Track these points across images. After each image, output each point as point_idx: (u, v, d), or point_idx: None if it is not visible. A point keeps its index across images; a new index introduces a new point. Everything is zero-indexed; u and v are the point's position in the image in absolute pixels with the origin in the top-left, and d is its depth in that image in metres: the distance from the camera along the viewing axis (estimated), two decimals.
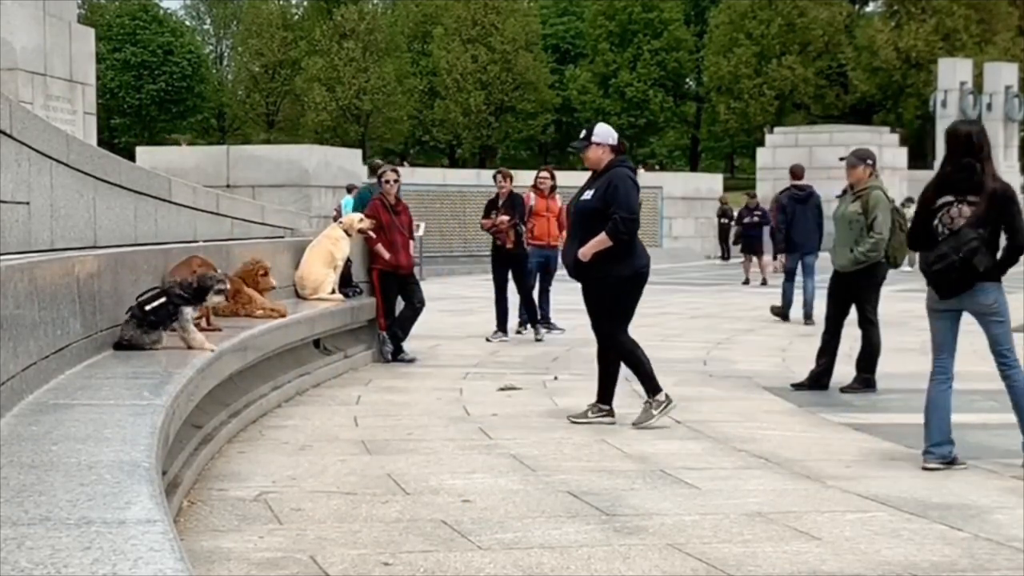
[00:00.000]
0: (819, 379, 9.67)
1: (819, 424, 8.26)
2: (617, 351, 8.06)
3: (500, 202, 13.05)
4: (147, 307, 6.42)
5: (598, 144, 7.94)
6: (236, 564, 4.65)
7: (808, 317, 15.07)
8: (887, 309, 16.94)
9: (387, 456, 6.78)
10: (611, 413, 8.07)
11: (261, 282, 8.91)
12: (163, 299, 6.48)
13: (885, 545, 5.05)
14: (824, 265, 11.30)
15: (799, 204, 15.49)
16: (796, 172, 16.05)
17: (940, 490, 6.12)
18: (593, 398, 8.26)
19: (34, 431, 4.13)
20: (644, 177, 36.04)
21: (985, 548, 5.04)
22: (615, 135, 8.06)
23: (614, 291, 7.87)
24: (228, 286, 6.91)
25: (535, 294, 13.56)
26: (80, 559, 2.58)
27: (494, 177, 13.37)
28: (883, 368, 9.81)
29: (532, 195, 13.76)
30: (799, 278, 15.60)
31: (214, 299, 6.74)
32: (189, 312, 6.50)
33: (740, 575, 4.61)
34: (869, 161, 9.70)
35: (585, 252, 7.78)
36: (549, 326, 13.63)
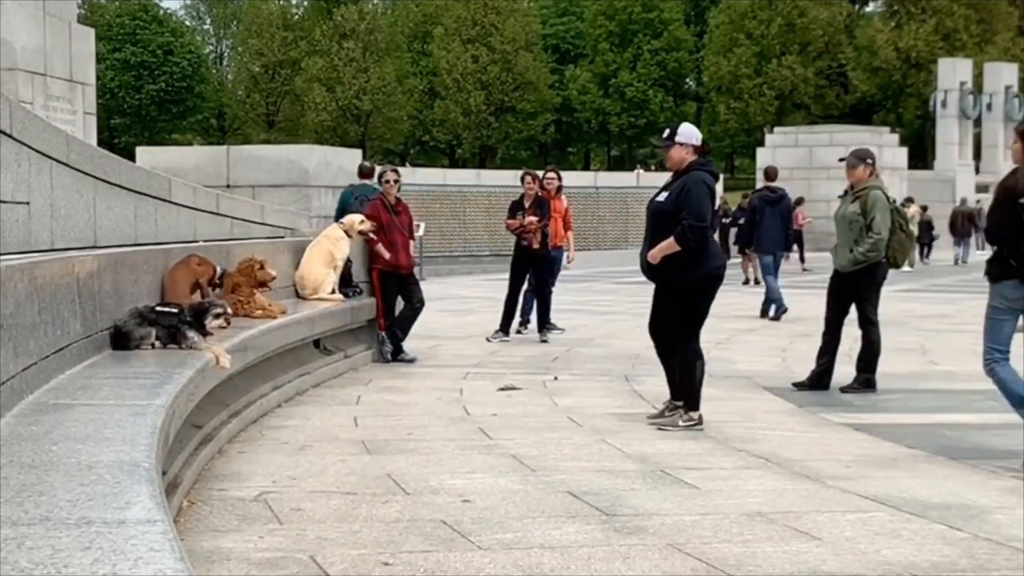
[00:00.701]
0: (820, 379, 9.67)
1: (819, 424, 8.25)
2: (681, 354, 7.93)
3: (527, 203, 13.03)
4: (157, 308, 6.61)
5: (681, 144, 7.83)
6: (236, 564, 4.65)
7: (766, 313, 15.83)
8: (887, 309, 16.95)
9: (387, 456, 6.78)
10: (701, 420, 7.94)
11: (259, 275, 8.90)
12: (175, 310, 6.65)
13: (885, 545, 5.05)
14: (824, 265, 11.29)
15: (769, 206, 16.12)
16: (770, 174, 16.87)
17: (940, 490, 6.12)
18: (593, 398, 8.25)
19: (34, 431, 4.13)
20: (644, 178, 36.12)
21: (985, 548, 5.04)
22: (699, 135, 7.96)
23: (684, 295, 7.79)
24: (229, 310, 6.97)
25: (524, 292, 13.58)
26: (80, 559, 2.58)
27: (522, 179, 13.32)
28: (883, 368, 9.81)
29: None
30: (756, 275, 16.22)
31: (213, 323, 6.77)
32: (194, 336, 6.57)
33: (740, 575, 4.61)
34: (869, 161, 9.71)
35: (654, 255, 7.73)
36: (549, 326, 13.63)
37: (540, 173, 14.28)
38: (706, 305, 7.88)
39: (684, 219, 7.59)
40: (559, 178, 14.03)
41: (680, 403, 7.92)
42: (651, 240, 7.82)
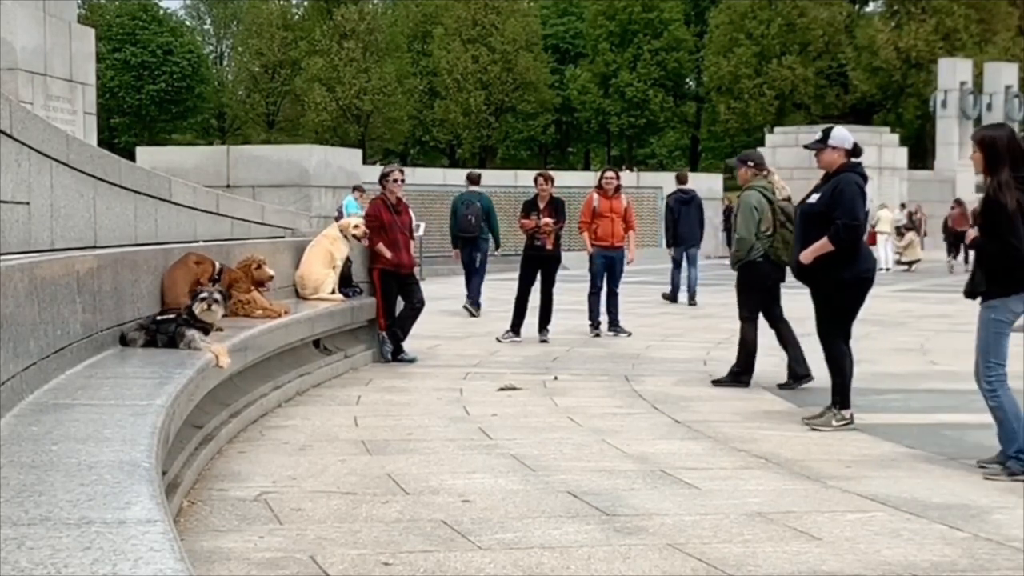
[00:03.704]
0: (796, 374, 9.78)
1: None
2: (826, 352, 8.02)
3: (541, 204, 13.01)
4: (159, 318, 6.72)
5: (833, 148, 7.90)
6: (236, 564, 4.65)
7: (692, 300, 18.03)
8: (887, 309, 16.99)
9: (387, 456, 6.78)
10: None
11: (256, 274, 8.92)
12: (171, 315, 6.75)
13: (885, 545, 5.05)
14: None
15: (683, 205, 18.34)
16: (681, 178, 19.76)
17: (940, 490, 6.12)
18: (593, 398, 8.25)
19: (34, 431, 4.13)
20: (644, 178, 36.11)
21: (985, 548, 5.04)
22: (851, 140, 8.00)
23: (835, 294, 7.85)
24: (215, 294, 6.97)
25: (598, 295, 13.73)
26: (80, 559, 2.58)
27: (535, 180, 13.34)
28: (883, 368, 9.82)
29: (596, 195, 13.72)
30: (685, 267, 18.33)
31: (197, 307, 6.80)
32: (191, 333, 6.59)
33: (740, 575, 4.61)
34: (750, 163, 9.95)
35: (806, 255, 7.82)
36: (617, 329, 13.62)
37: (592, 173, 14.35)
38: (855, 305, 7.94)
39: (838, 219, 7.68)
40: (618, 177, 14.00)
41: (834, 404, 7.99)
42: (802, 242, 7.91)
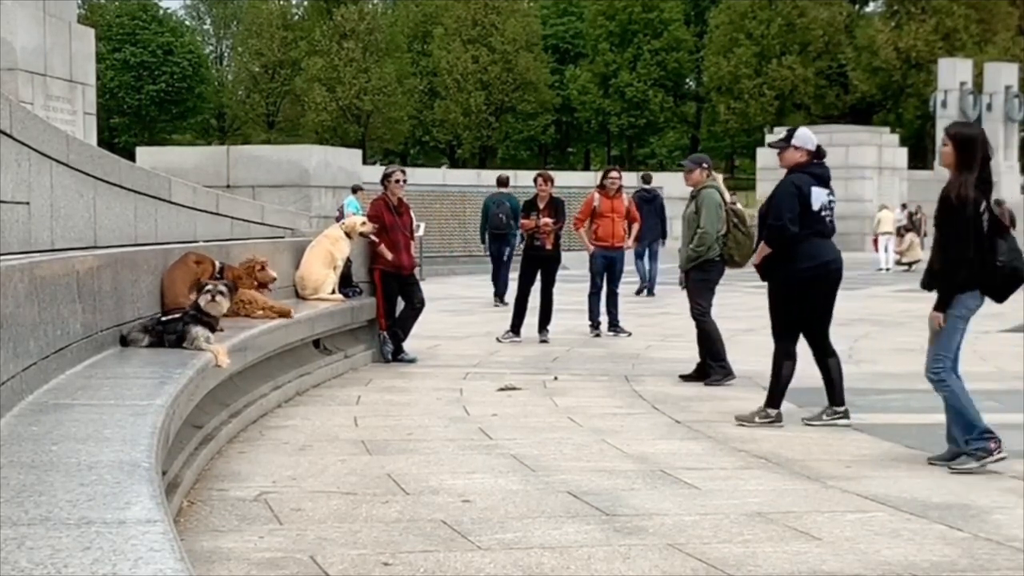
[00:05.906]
0: (700, 370, 10.07)
1: (819, 424, 8.24)
2: (774, 350, 8.05)
3: (541, 204, 13.01)
4: (163, 319, 6.74)
5: (796, 148, 7.94)
6: (236, 564, 4.65)
7: (651, 291, 19.65)
8: (887, 309, 16.99)
9: (387, 456, 6.78)
10: (846, 415, 8.02)
11: (260, 276, 8.91)
12: (177, 315, 6.76)
13: (885, 545, 5.05)
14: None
15: (646, 204, 19.46)
16: (646, 178, 21.89)
17: (940, 490, 6.12)
18: (593, 398, 8.25)
19: (34, 431, 4.13)
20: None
21: (985, 548, 5.04)
22: (814, 141, 8.01)
23: (777, 294, 7.92)
24: (220, 286, 6.97)
25: (602, 296, 13.77)
26: (80, 559, 2.58)
27: (535, 180, 13.36)
28: (883, 368, 9.82)
29: (597, 195, 13.71)
30: (646, 260, 20.04)
31: (202, 299, 6.82)
32: (197, 331, 6.59)
33: (740, 575, 4.61)
34: (704, 165, 10.22)
35: (754, 259, 8.04)
36: (617, 329, 13.63)
37: (591, 172, 14.41)
38: (811, 303, 7.88)
39: (768, 220, 7.80)
40: (620, 177, 13.99)
41: (840, 408, 8.00)
42: (759, 243, 8.08)
